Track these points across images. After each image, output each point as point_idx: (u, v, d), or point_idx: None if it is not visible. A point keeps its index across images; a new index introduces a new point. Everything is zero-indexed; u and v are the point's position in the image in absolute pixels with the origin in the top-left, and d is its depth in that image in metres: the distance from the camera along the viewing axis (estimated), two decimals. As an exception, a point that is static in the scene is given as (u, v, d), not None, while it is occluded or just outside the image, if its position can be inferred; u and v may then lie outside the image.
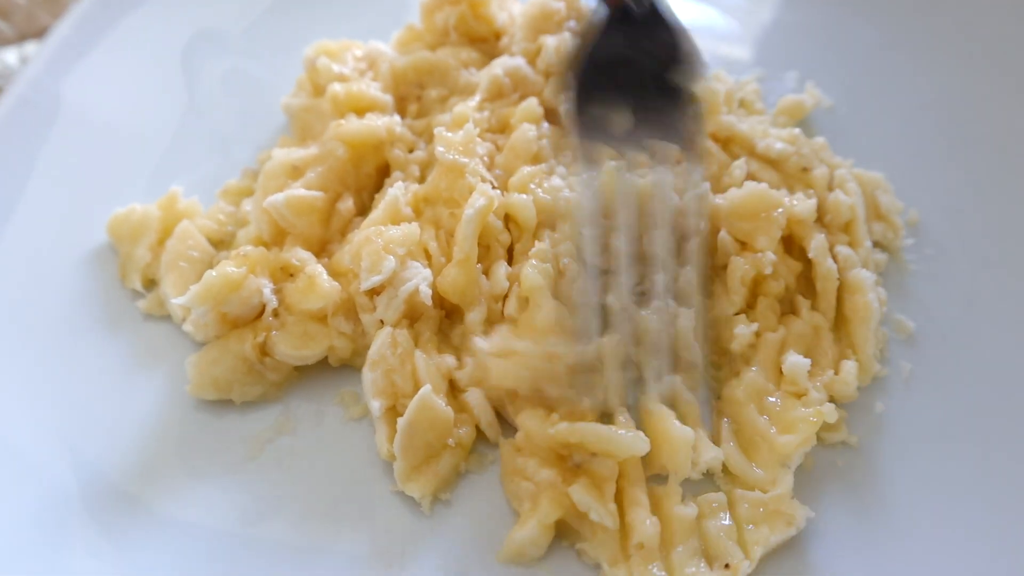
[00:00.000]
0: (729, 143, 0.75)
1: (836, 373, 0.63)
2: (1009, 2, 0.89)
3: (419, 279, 0.63)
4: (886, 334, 0.68)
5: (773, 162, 0.73)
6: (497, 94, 0.76)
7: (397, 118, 0.74)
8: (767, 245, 0.65)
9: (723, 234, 0.67)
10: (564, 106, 0.60)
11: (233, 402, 0.64)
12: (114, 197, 0.74)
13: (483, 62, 0.81)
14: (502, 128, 0.75)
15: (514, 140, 0.71)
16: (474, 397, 0.62)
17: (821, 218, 0.70)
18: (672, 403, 0.61)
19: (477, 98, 0.75)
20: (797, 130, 0.76)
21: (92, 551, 0.56)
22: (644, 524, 0.55)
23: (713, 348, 0.66)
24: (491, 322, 0.65)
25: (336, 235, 0.70)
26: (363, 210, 0.72)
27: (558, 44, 0.77)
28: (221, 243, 0.72)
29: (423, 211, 0.69)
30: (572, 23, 0.82)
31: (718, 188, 0.70)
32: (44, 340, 0.66)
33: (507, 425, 0.63)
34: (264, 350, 0.64)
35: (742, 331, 0.64)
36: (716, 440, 0.61)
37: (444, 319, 0.67)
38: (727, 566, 0.54)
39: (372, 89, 0.76)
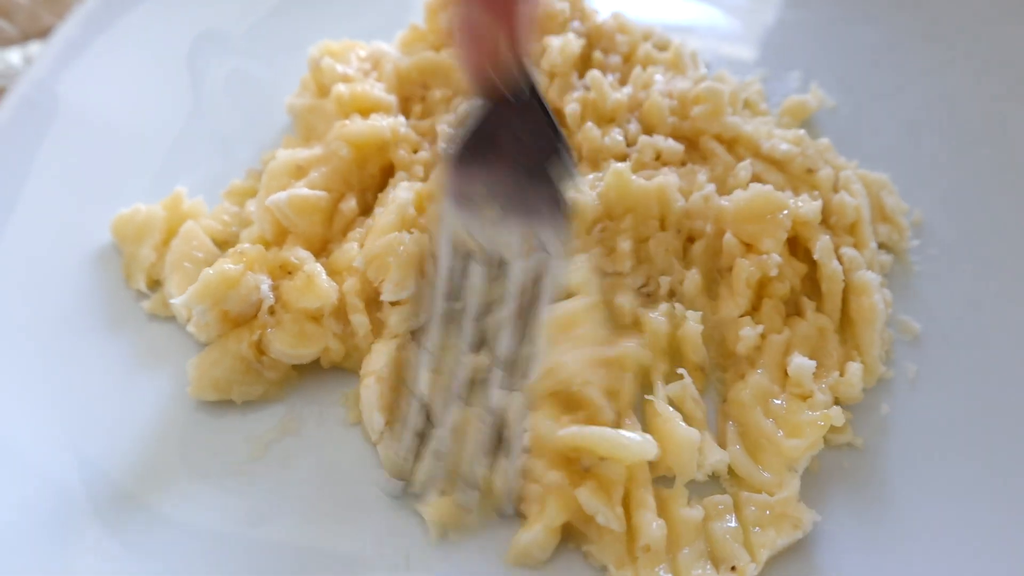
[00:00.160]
0: (734, 144, 0.75)
1: (841, 375, 0.63)
2: (1014, 2, 0.89)
3: None
4: (891, 335, 0.68)
5: (778, 163, 0.73)
6: (502, 93, 0.76)
7: (401, 119, 0.74)
8: (773, 247, 0.65)
9: (728, 236, 0.67)
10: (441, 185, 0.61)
11: (236, 403, 0.64)
12: (118, 197, 0.74)
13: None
14: None
15: None
16: None
17: (826, 219, 0.69)
18: (678, 405, 0.61)
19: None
20: (802, 131, 0.76)
21: (95, 552, 0.56)
22: (651, 527, 0.55)
23: (718, 351, 0.66)
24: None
25: (338, 235, 0.70)
26: (366, 210, 0.72)
27: (562, 45, 0.77)
28: (225, 243, 0.72)
29: (426, 208, 0.69)
30: (576, 23, 0.82)
31: (723, 190, 0.70)
32: (48, 340, 0.66)
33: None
34: (260, 348, 0.64)
35: (747, 333, 0.64)
36: (721, 443, 0.61)
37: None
38: (733, 569, 0.54)
39: (376, 89, 0.76)
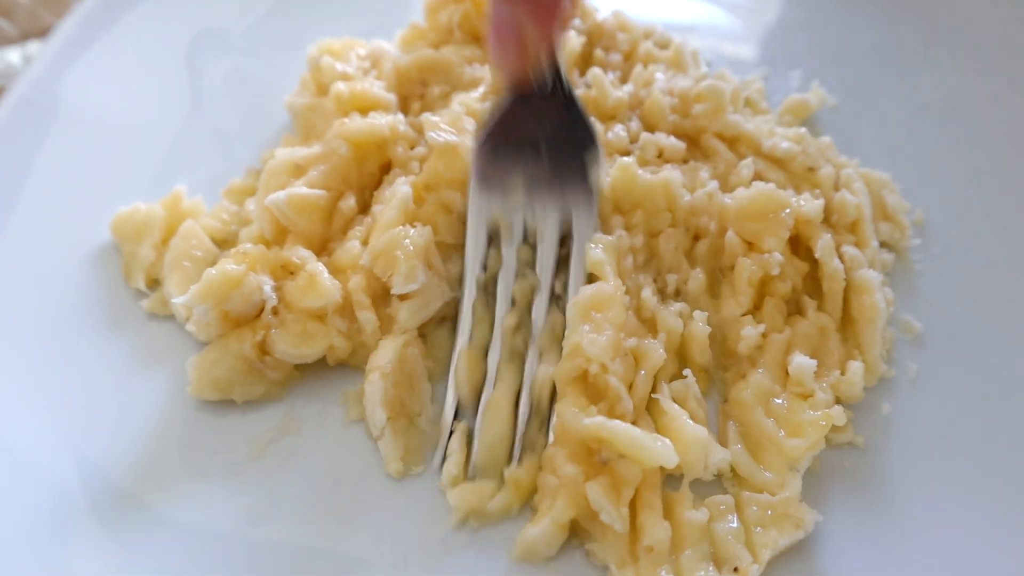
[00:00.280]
0: (735, 142, 0.75)
1: (843, 374, 0.63)
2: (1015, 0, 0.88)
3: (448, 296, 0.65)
4: (893, 334, 0.68)
5: (779, 161, 0.73)
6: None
7: (401, 117, 0.74)
8: (774, 246, 0.65)
9: (730, 235, 0.67)
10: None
11: (236, 403, 0.64)
12: (117, 196, 0.73)
13: (487, 60, 0.80)
14: None
15: None
16: None
17: (827, 218, 0.69)
18: (681, 404, 0.61)
19: (480, 90, 0.75)
20: (803, 129, 0.76)
21: (95, 552, 0.56)
22: (656, 528, 0.55)
23: (720, 350, 0.66)
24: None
25: (338, 233, 0.70)
26: (365, 208, 0.72)
27: (563, 43, 0.77)
28: (225, 242, 0.72)
29: (424, 199, 0.69)
30: (577, 21, 0.82)
31: (725, 188, 0.70)
32: (47, 340, 0.66)
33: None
34: (264, 348, 0.64)
35: (749, 332, 0.63)
36: (722, 442, 0.61)
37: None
38: (736, 570, 0.54)
39: (376, 88, 0.76)
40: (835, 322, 0.66)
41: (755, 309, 0.66)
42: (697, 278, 0.67)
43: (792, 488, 0.57)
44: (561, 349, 0.60)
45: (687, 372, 0.63)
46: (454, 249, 0.68)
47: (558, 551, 0.57)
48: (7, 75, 0.90)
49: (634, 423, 0.57)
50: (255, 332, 0.64)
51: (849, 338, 0.66)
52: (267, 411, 0.64)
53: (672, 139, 0.74)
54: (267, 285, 0.64)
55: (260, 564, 0.56)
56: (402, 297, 0.64)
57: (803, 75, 0.88)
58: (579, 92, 0.76)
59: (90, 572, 0.55)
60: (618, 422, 0.55)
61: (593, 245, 0.64)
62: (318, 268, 0.64)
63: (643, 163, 0.72)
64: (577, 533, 0.57)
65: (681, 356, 0.65)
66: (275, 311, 0.65)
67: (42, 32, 0.95)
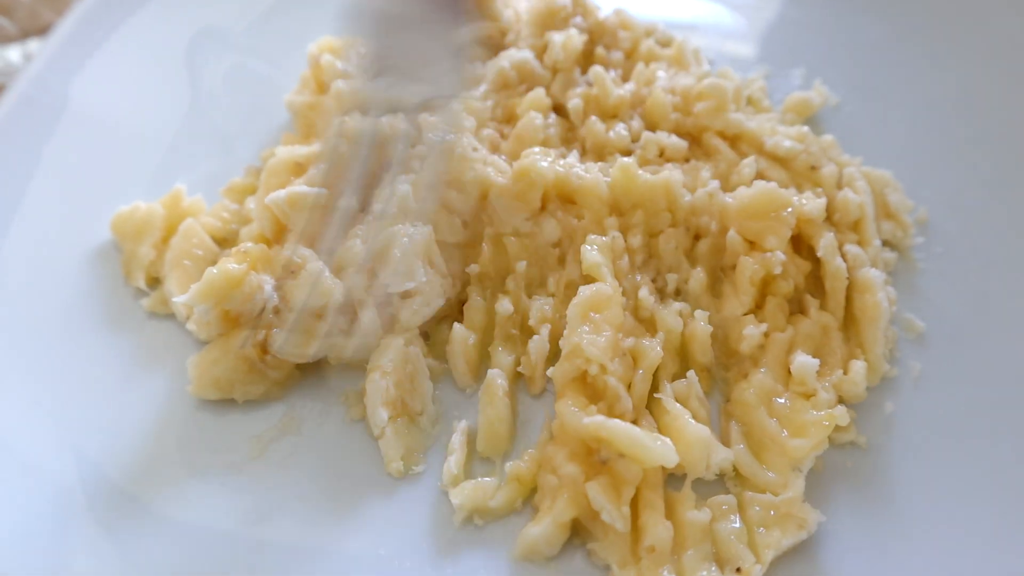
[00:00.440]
0: (737, 141, 0.75)
1: (845, 373, 0.63)
2: (1018, -1, 0.88)
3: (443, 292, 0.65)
4: (895, 333, 0.67)
5: (781, 160, 0.73)
6: (503, 85, 0.76)
7: (401, 115, 0.74)
8: (777, 245, 0.65)
9: (732, 234, 0.67)
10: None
11: (236, 402, 0.64)
12: (118, 195, 0.73)
13: (488, 59, 0.80)
14: (508, 118, 0.75)
15: (520, 128, 0.71)
16: None
17: (830, 216, 0.69)
18: (683, 403, 0.60)
19: (482, 88, 0.74)
20: (805, 128, 0.76)
21: (95, 551, 0.56)
22: (658, 528, 0.54)
23: (721, 349, 0.66)
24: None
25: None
26: (365, 207, 0.71)
27: (565, 40, 0.77)
28: (225, 241, 0.72)
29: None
30: (578, 19, 0.82)
31: (727, 186, 0.70)
32: (47, 338, 0.66)
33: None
34: (264, 348, 0.64)
35: (751, 332, 0.63)
36: (724, 442, 0.61)
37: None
38: (738, 570, 0.54)
39: (376, 86, 0.76)
40: (837, 321, 0.66)
41: (757, 308, 0.66)
42: (698, 277, 0.67)
43: (795, 488, 0.57)
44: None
45: (691, 372, 0.62)
46: (455, 248, 0.68)
47: (560, 551, 0.56)
48: (7, 73, 0.90)
49: (635, 422, 0.57)
50: (256, 332, 0.64)
51: (851, 337, 0.66)
52: (267, 410, 0.64)
53: (674, 138, 0.74)
54: (268, 285, 0.64)
55: (260, 564, 0.56)
56: (404, 295, 0.63)
57: (805, 73, 0.87)
58: (580, 90, 0.76)
59: (89, 571, 0.55)
60: (617, 421, 0.55)
61: (589, 247, 0.63)
62: (319, 267, 0.64)
63: (644, 162, 0.72)
64: (579, 533, 0.57)
65: (683, 356, 0.65)
66: (276, 310, 0.65)
67: (42, 30, 0.95)
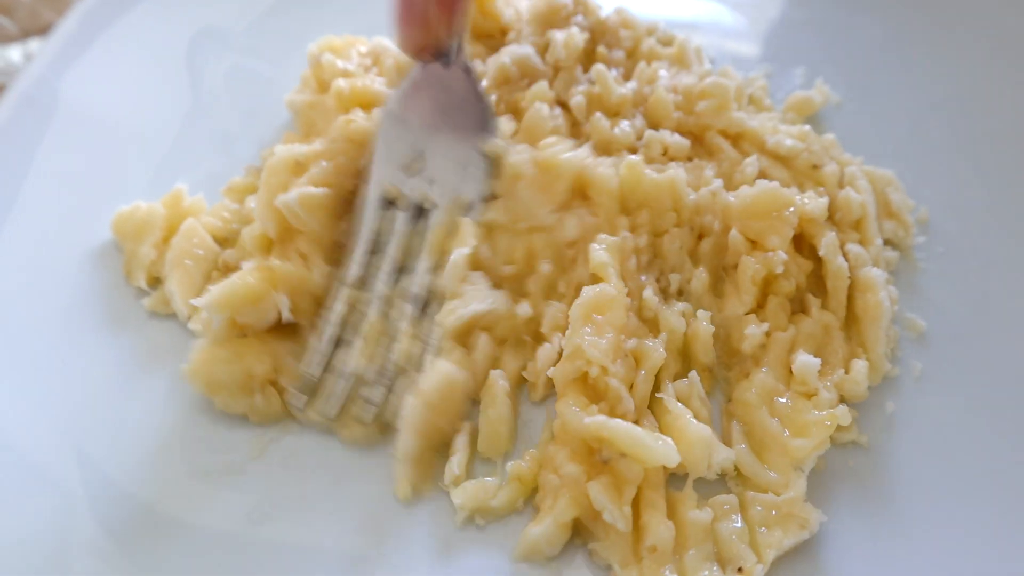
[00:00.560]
0: (739, 140, 0.75)
1: (847, 372, 0.63)
2: (1019, -3, 0.88)
3: (491, 302, 0.64)
4: (897, 333, 0.67)
5: (783, 159, 0.73)
6: (504, 80, 0.76)
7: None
8: (778, 244, 0.65)
9: (734, 233, 0.66)
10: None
11: (237, 402, 0.64)
12: (118, 195, 0.73)
13: (488, 55, 0.80)
14: (511, 113, 0.75)
15: (528, 119, 0.71)
16: None
17: (831, 216, 0.69)
18: (684, 403, 0.60)
19: (483, 84, 0.74)
20: (807, 127, 0.76)
21: (95, 551, 0.56)
22: (659, 528, 0.54)
23: (723, 349, 0.66)
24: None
25: (343, 236, 0.69)
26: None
27: (566, 39, 0.77)
28: (226, 241, 0.72)
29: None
30: (579, 18, 0.82)
31: (729, 185, 0.70)
32: (48, 338, 0.66)
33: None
34: (274, 383, 0.63)
35: (753, 331, 0.63)
36: (726, 442, 0.61)
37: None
38: (740, 570, 0.54)
39: (377, 85, 0.76)
40: (839, 320, 0.66)
41: (759, 308, 0.66)
42: (700, 277, 0.67)
43: (797, 488, 0.57)
44: (434, 306, 0.63)
45: (693, 373, 0.62)
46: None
47: (561, 550, 0.56)
48: (8, 73, 0.90)
49: (636, 422, 0.57)
50: (275, 356, 0.63)
51: (853, 337, 0.66)
52: (268, 410, 0.64)
53: (676, 136, 0.74)
54: (285, 307, 0.64)
55: (260, 564, 0.56)
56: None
57: (807, 72, 0.87)
58: (582, 89, 0.76)
59: (90, 571, 0.55)
60: (619, 421, 0.55)
61: (598, 246, 0.63)
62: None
63: (648, 161, 0.72)
64: (580, 532, 0.57)
65: (685, 355, 0.65)
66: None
67: (43, 30, 0.95)
